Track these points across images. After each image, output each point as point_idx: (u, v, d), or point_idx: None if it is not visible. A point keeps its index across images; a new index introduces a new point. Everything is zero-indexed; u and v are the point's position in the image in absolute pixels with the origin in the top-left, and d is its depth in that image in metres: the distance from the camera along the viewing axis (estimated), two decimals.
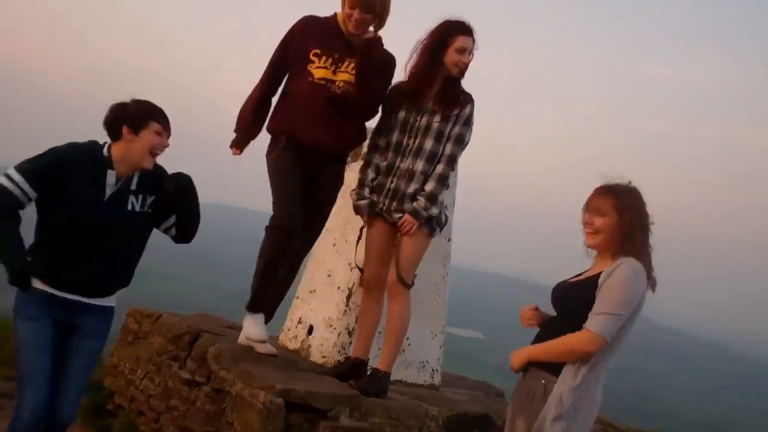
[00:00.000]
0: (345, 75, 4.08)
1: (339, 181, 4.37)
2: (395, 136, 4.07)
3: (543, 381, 2.91)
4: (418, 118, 4.02)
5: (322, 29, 4.15)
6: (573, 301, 2.98)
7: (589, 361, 2.86)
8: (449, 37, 3.97)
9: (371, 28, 4.10)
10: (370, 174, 4.15)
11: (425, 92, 4.04)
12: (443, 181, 4.01)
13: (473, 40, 4.00)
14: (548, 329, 3.05)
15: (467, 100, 4.06)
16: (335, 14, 4.19)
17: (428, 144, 3.98)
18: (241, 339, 4.35)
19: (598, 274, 2.93)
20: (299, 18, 4.23)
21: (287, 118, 4.14)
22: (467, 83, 4.10)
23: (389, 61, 4.17)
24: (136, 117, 3.26)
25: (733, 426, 53.19)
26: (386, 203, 4.05)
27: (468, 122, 4.05)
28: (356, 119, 4.23)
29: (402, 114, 4.06)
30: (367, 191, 4.15)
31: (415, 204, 3.96)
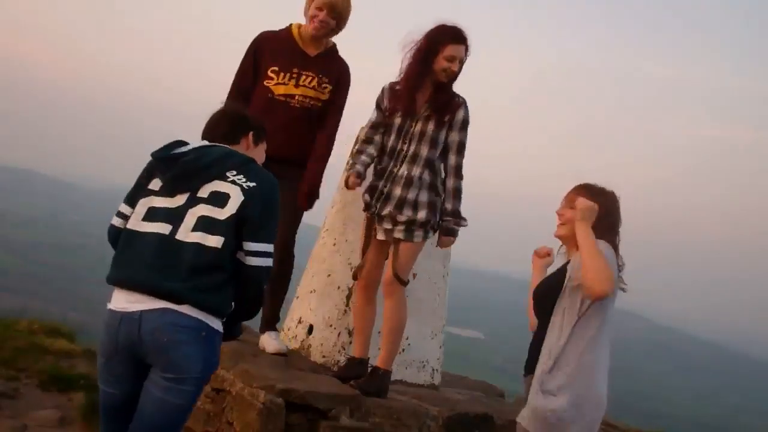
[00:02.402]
0: (303, 89, 4.28)
1: (297, 183, 4.36)
2: (390, 141, 4.09)
3: None
4: (413, 124, 4.05)
5: (279, 45, 4.33)
6: (546, 293, 3.06)
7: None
8: (440, 44, 3.98)
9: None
10: (364, 158, 4.12)
11: (417, 97, 4.06)
12: (460, 195, 4.09)
13: (466, 48, 4.02)
14: (540, 331, 3.07)
15: (459, 103, 4.08)
16: (290, 26, 4.38)
17: (424, 151, 4.02)
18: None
19: (565, 265, 3.03)
20: (257, 35, 4.38)
21: None
22: (471, 87, 4.13)
23: (345, 73, 4.42)
24: (260, 127, 3.02)
25: (733, 426, 53.19)
26: (378, 206, 4.07)
27: (464, 127, 4.10)
28: (321, 132, 4.41)
29: (397, 120, 4.08)
30: (361, 168, 4.10)
31: (444, 224, 4.05)
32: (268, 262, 2.68)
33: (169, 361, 2.54)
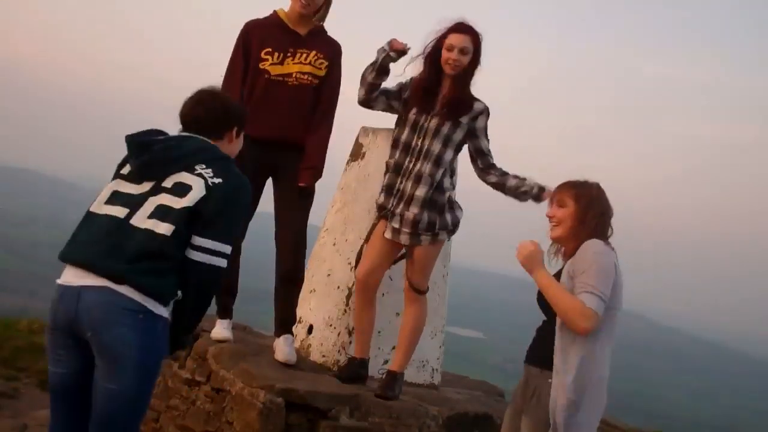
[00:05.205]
0: (299, 66, 4.21)
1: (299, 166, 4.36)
2: (405, 135, 4.06)
3: (550, 380, 2.88)
4: (428, 119, 4.01)
5: (268, 29, 4.27)
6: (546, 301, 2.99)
7: (579, 348, 2.84)
8: (443, 37, 3.98)
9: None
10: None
11: (434, 93, 4.04)
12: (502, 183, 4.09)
13: (471, 39, 3.97)
14: (543, 330, 3.06)
15: (480, 110, 4.06)
16: (275, 12, 4.32)
17: (436, 147, 3.99)
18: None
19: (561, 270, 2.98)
20: (243, 25, 4.29)
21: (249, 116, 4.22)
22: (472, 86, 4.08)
23: (338, 52, 4.35)
24: (242, 119, 2.91)
25: (733, 426, 53.20)
26: (394, 203, 4.04)
27: (487, 133, 4.11)
28: (317, 108, 4.32)
29: (413, 114, 4.05)
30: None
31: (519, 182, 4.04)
32: (217, 261, 2.61)
33: (102, 341, 2.51)
